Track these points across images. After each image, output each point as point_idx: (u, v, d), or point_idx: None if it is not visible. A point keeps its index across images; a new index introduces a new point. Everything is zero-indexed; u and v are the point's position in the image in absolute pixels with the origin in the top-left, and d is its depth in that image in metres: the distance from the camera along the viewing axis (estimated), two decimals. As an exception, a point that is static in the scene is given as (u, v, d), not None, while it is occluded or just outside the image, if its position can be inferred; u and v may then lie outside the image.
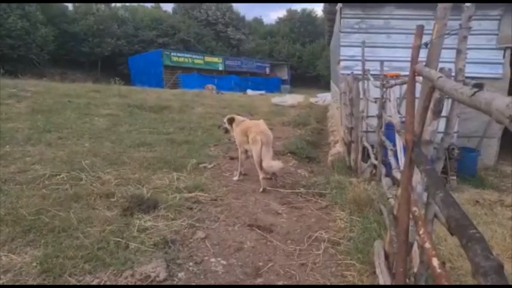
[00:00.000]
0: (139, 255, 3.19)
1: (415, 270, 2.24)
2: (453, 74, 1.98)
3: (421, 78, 2.06)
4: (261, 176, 5.30)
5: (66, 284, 2.76)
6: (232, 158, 6.92)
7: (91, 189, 4.63)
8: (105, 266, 3.01)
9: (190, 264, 3.18)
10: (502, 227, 4.16)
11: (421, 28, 2.01)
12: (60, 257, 3.04)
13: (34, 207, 3.89)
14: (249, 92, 28.59)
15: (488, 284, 0.78)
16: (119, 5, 44.30)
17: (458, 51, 1.95)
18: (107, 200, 4.35)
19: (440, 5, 1.89)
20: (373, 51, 7.01)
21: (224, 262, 3.28)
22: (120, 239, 3.41)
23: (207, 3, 47.92)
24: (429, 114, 2.03)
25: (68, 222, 3.64)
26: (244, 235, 3.84)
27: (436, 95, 1.97)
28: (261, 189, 5.26)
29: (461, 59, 1.97)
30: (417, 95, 2.11)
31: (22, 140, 6.70)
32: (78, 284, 2.77)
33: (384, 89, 4.23)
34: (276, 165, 5.24)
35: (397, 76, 6.04)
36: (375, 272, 3.01)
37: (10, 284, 2.72)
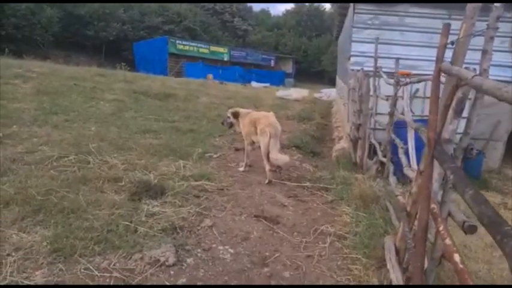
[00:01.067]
0: (148, 240, 3.22)
1: (424, 267, 2.27)
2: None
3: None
4: (267, 167, 5.32)
5: (77, 263, 2.79)
6: (237, 149, 6.93)
7: (99, 172, 4.65)
8: (114, 248, 3.04)
9: (199, 250, 3.21)
10: (507, 229, 4.18)
11: (447, 27, 2.01)
12: (70, 237, 3.08)
13: (43, 187, 3.91)
14: (254, 84, 28.50)
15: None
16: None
17: (484, 52, 1.95)
18: (115, 184, 4.38)
19: (469, 5, 1.89)
20: (386, 48, 6.97)
21: (232, 250, 3.31)
22: (128, 223, 3.45)
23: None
24: (450, 113, 2.04)
25: (77, 203, 3.67)
26: (250, 225, 3.87)
27: (459, 94, 1.98)
28: (266, 181, 5.29)
29: (486, 60, 1.97)
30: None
31: (29, 120, 6.70)
32: (88, 264, 2.80)
33: (398, 87, 4.23)
34: (282, 158, 5.25)
35: (408, 75, 6.04)
36: (381, 267, 3.05)
37: (21, 262, 2.75)
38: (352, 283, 3.00)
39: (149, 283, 2.70)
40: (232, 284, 2.85)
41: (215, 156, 6.33)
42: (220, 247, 3.34)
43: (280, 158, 5.24)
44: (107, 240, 3.11)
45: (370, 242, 3.49)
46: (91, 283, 2.63)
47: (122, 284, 2.66)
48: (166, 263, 2.90)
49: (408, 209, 2.43)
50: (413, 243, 2.07)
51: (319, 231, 3.88)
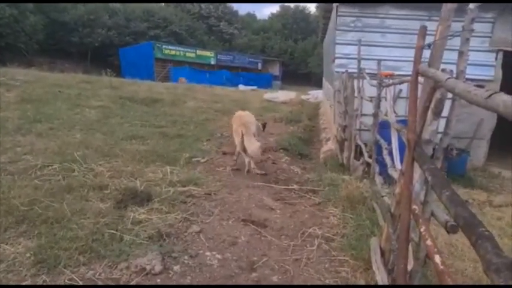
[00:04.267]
0: (134, 248, 3.18)
1: (409, 267, 2.28)
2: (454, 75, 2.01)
3: (420, 78, 2.09)
4: (246, 159, 5.88)
5: (61, 275, 2.74)
6: (225, 153, 6.92)
7: (84, 180, 4.59)
8: (99, 257, 3.00)
9: (186, 257, 3.18)
10: (491, 227, 4.25)
11: (424, 29, 2.04)
12: (55, 248, 3.02)
13: (27, 197, 3.84)
14: (241, 87, 28.49)
15: (501, 280, 0.80)
16: (110, -5, 43.68)
17: (461, 53, 1.98)
18: (100, 192, 4.32)
19: (444, 7, 1.92)
20: (368, 49, 7.05)
21: (219, 256, 3.29)
22: (114, 231, 3.40)
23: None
24: (429, 114, 2.07)
25: (61, 213, 3.61)
26: (238, 230, 3.86)
27: (437, 95, 2.01)
28: (246, 169, 5.85)
29: (463, 61, 1.99)
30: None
31: (12, 129, 6.59)
32: (72, 275, 2.75)
33: (381, 88, 4.28)
34: (252, 151, 5.63)
35: (391, 75, 6.11)
36: (368, 269, 3.07)
37: (3, 274, 2.69)
38: (340, 285, 3.01)
39: (135, 292, 2.67)
40: (220, 290, 2.83)
41: (202, 160, 6.30)
42: (208, 253, 3.31)
43: (251, 150, 5.64)
44: (92, 249, 3.06)
45: (357, 243, 3.51)
46: (76, 294, 2.59)
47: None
48: (153, 272, 2.87)
49: (392, 210, 2.45)
50: (397, 244, 2.08)
51: (306, 234, 3.88)
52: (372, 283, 2.82)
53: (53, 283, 2.66)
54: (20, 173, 4.63)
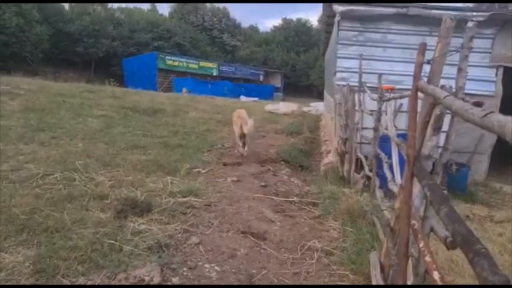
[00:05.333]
0: (133, 259, 3.18)
1: (409, 283, 2.27)
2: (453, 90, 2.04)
3: (420, 93, 2.11)
4: (240, 149, 7.53)
5: (60, 284, 2.74)
6: (225, 164, 6.93)
7: (85, 190, 4.61)
8: (98, 268, 2.99)
9: (184, 269, 3.17)
10: (492, 243, 4.23)
11: (423, 46, 2.07)
12: (54, 257, 3.02)
13: (27, 206, 3.85)
14: (243, 98, 28.65)
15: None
16: (115, 6, 44.24)
17: (459, 70, 2.01)
18: (101, 202, 4.33)
19: (443, 24, 1.95)
20: (370, 63, 7.11)
21: (218, 268, 3.28)
22: (114, 242, 3.40)
23: (204, 9, 48.10)
24: (429, 129, 2.09)
25: (61, 222, 3.62)
26: (237, 242, 3.85)
27: (437, 111, 2.02)
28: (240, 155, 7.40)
29: (461, 77, 2.03)
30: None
31: (15, 138, 6.63)
32: (71, 284, 2.75)
33: (381, 102, 4.31)
34: (248, 127, 7.37)
35: (392, 89, 6.15)
36: (368, 284, 3.05)
37: (2, 283, 2.69)
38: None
39: (133, 304, 2.66)
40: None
41: (203, 171, 6.31)
42: (207, 265, 3.30)
43: (249, 126, 7.36)
44: (91, 259, 3.06)
45: (357, 258, 3.49)
46: (74, 305, 2.58)
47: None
48: (151, 283, 2.86)
49: (392, 224, 2.45)
50: (397, 260, 2.08)
51: (306, 247, 3.87)
52: (372, 298, 2.80)
53: (51, 293, 2.65)
54: (21, 181, 4.65)
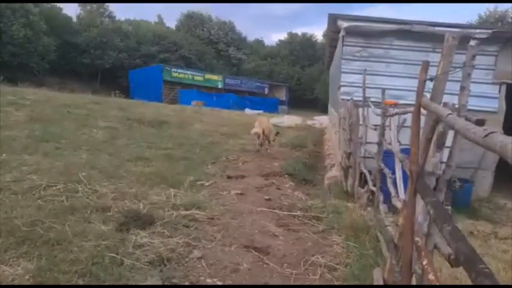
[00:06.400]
0: (134, 272, 3.16)
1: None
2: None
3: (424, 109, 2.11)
4: (258, 144, 9.85)
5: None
6: (229, 177, 6.93)
7: (87, 202, 4.61)
8: (99, 281, 2.97)
9: (186, 284, 3.15)
10: (497, 259, 4.16)
11: (426, 64, 2.08)
12: (54, 270, 3.01)
13: (29, 218, 3.85)
14: (247, 111, 28.75)
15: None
16: (122, 18, 45.02)
17: (462, 88, 2.02)
18: (103, 214, 4.32)
19: (445, 43, 1.96)
20: (373, 78, 7.13)
21: (220, 283, 3.25)
22: (115, 255, 3.38)
23: (210, 22, 48.76)
24: (432, 146, 2.08)
25: (63, 235, 3.61)
26: (240, 256, 3.82)
27: (440, 128, 2.02)
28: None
29: (464, 95, 2.03)
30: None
31: (19, 148, 6.68)
32: (70, 285, 2.73)
33: (385, 117, 4.31)
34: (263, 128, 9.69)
35: (395, 104, 6.15)
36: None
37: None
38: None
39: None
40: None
41: (207, 184, 6.30)
42: (209, 280, 3.27)
43: (256, 130, 9.70)
44: (92, 273, 3.04)
45: (360, 273, 3.44)
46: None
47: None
48: (152, 297, 2.84)
49: (395, 240, 2.43)
50: (400, 277, 2.05)
51: (309, 263, 3.82)
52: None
53: (51, 306, 2.63)
54: (24, 192, 4.65)
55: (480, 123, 1.68)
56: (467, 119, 1.72)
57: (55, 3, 37.76)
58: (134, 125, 11.11)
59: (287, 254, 4.02)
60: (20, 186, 4.87)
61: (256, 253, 3.92)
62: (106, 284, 2.93)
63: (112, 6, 41.54)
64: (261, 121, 9.92)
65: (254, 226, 4.70)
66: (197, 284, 3.18)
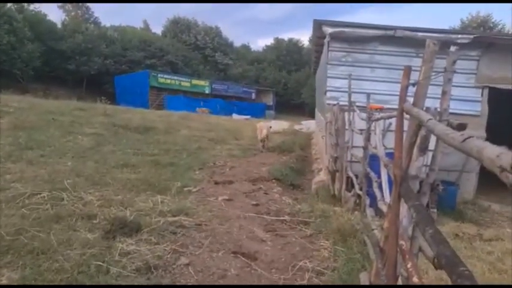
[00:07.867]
0: (120, 280, 3.12)
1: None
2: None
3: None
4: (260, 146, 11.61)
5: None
6: (217, 183, 6.91)
7: (72, 210, 4.55)
8: (85, 291, 2.93)
9: (174, 290, 3.12)
10: (482, 261, 4.24)
11: (408, 69, 2.12)
12: (39, 280, 2.96)
13: (13, 227, 3.79)
14: (235, 116, 28.78)
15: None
16: (108, 24, 44.63)
17: (444, 92, 2.06)
18: (89, 222, 4.27)
19: (427, 49, 2.01)
20: (358, 83, 7.23)
21: (208, 290, 3.23)
22: (101, 263, 3.34)
23: (196, 28, 48.73)
24: (415, 150, 2.12)
25: (47, 244, 3.55)
26: (228, 262, 3.81)
27: (423, 132, 2.06)
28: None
29: (445, 100, 2.07)
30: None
31: (3, 156, 6.55)
32: (68, 285, 2.68)
33: (370, 122, 4.37)
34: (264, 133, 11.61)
35: (381, 109, 6.24)
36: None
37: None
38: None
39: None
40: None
41: (194, 190, 6.28)
42: (196, 286, 3.26)
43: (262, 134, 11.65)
44: (77, 282, 3.00)
45: (348, 278, 3.47)
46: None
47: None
48: (139, 305, 2.81)
49: (381, 244, 2.46)
50: (386, 280, 2.08)
51: (297, 267, 3.83)
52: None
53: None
54: (7, 201, 4.57)
55: (461, 127, 1.72)
56: (449, 124, 1.77)
57: (40, 10, 37.24)
58: (120, 132, 11.00)
59: (275, 259, 4.02)
60: (4, 195, 4.78)
61: (244, 259, 3.91)
62: (92, 293, 2.89)
63: (97, 12, 41.15)
64: (262, 128, 11.82)
65: (242, 232, 4.69)
66: (185, 291, 3.15)
